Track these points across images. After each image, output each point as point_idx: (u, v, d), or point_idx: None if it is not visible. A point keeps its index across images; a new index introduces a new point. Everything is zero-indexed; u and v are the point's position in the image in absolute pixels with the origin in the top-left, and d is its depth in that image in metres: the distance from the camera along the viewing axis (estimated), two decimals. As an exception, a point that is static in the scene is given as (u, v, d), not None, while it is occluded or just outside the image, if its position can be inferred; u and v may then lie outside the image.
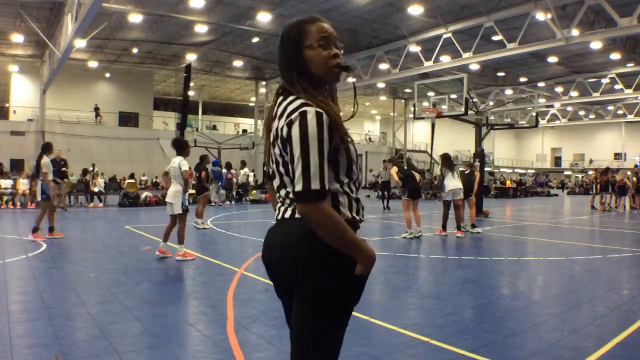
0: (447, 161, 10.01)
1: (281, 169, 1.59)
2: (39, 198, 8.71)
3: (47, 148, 8.79)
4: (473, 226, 10.33)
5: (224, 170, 18.34)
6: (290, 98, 1.57)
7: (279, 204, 1.68)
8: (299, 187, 1.46)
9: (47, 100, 27.14)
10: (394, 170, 9.70)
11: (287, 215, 1.62)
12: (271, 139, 1.62)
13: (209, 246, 8.37)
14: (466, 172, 11.01)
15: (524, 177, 45.75)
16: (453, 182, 9.71)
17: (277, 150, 1.58)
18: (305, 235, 1.53)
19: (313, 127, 1.46)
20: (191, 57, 26.91)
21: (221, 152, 27.11)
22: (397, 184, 10.20)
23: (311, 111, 1.47)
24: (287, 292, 1.69)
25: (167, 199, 6.86)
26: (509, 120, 39.87)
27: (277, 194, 1.68)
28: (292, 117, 1.49)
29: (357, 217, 1.63)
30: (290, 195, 1.59)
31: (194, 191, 11.63)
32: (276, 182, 1.66)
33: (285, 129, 1.50)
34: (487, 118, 29.08)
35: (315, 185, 1.45)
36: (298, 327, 1.60)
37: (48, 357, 3.11)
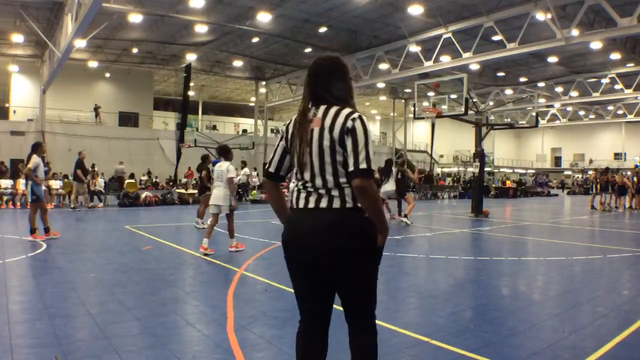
0: (388, 168, 11.87)
1: (327, 157, 2.02)
2: (29, 199, 8.61)
3: (36, 147, 8.59)
4: (405, 216, 11.66)
5: (224, 170, 18.32)
6: (337, 107, 2.09)
7: (304, 194, 2.09)
8: (364, 165, 1.96)
9: (47, 100, 27.09)
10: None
11: (323, 205, 2.03)
12: (315, 134, 2.05)
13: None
14: (398, 176, 12.07)
15: (524, 177, 45.73)
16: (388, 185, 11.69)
17: (326, 142, 2.02)
18: (352, 224, 2.02)
19: (368, 127, 2.05)
20: (191, 57, 26.89)
21: (221, 152, 27.05)
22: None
23: (363, 116, 2.06)
24: (316, 270, 2.08)
25: (215, 202, 7.35)
26: (509, 120, 39.87)
27: (305, 184, 2.09)
28: (354, 116, 2.04)
29: None
30: (329, 184, 2.03)
31: (195, 191, 11.62)
32: (307, 174, 2.08)
33: (350, 123, 2.01)
34: (487, 118, 29.07)
35: (372, 166, 1.99)
36: (357, 290, 2.11)
37: (48, 357, 3.11)
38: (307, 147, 2.06)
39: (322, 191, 2.04)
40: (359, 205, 2.02)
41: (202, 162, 11.33)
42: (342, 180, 2.03)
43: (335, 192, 2.03)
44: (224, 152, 7.50)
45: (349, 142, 1.99)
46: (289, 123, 2.21)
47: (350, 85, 2.22)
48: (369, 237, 2.04)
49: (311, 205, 2.05)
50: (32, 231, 8.21)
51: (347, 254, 2.00)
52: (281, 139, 2.24)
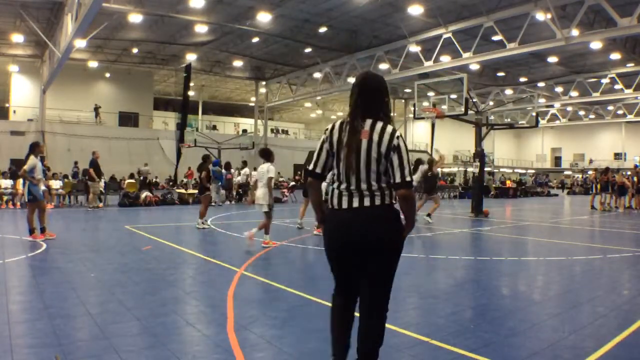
0: (415, 167, 11.65)
1: (373, 166, 2.43)
2: (26, 199, 8.54)
3: (34, 147, 8.46)
4: (428, 215, 11.87)
5: (224, 171, 18.33)
6: (382, 122, 2.49)
7: (347, 195, 2.48)
8: (408, 178, 2.43)
9: (47, 100, 27.10)
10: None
11: (367, 203, 2.45)
12: (364, 146, 2.44)
13: (209, 246, 8.37)
14: (429, 173, 11.97)
15: (524, 177, 45.71)
16: None
17: (374, 155, 2.43)
18: (391, 218, 2.49)
19: (406, 144, 2.52)
20: (191, 57, 26.89)
21: (221, 152, 27.11)
22: None
23: (401, 134, 2.53)
24: (355, 251, 2.48)
25: (257, 202, 7.92)
26: (509, 120, 39.86)
27: (349, 187, 2.47)
28: (397, 134, 2.48)
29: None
30: (373, 187, 2.45)
31: (195, 191, 11.64)
32: (353, 179, 2.46)
33: (396, 141, 2.45)
34: (487, 118, 29.05)
35: (412, 178, 2.48)
36: (385, 275, 2.54)
37: (48, 357, 3.11)
38: (356, 155, 2.44)
39: (366, 192, 2.46)
40: (393, 201, 2.50)
41: (202, 162, 11.31)
42: (383, 185, 2.48)
43: (377, 193, 2.47)
44: (266, 154, 7.90)
45: (394, 158, 2.43)
46: (332, 129, 2.56)
47: (389, 102, 2.64)
48: (399, 227, 2.52)
49: (356, 204, 2.47)
50: (31, 231, 8.19)
51: (385, 242, 2.46)
52: (324, 142, 2.58)
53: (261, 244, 7.77)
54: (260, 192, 7.80)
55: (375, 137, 2.44)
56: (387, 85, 2.63)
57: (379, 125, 2.47)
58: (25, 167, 8.19)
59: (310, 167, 2.61)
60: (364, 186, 2.46)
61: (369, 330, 2.54)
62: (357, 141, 2.44)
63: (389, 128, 2.47)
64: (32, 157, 8.30)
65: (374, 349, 2.55)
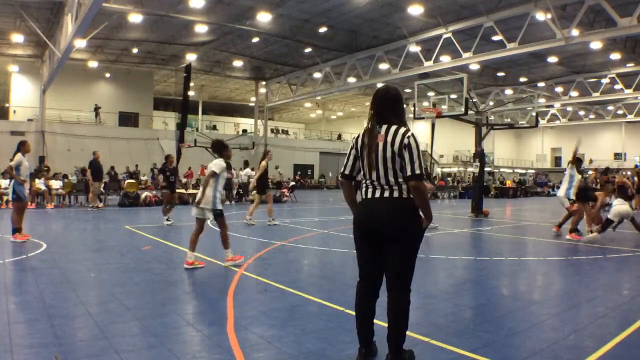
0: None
1: (389, 164, 2.84)
2: (9, 197, 8.37)
3: (20, 146, 8.28)
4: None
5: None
6: (395, 126, 2.90)
7: (371, 188, 2.93)
8: (418, 171, 2.79)
9: (47, 100, 27.10)
10: None
11: (386, 195, 2.88)
12: (380, 147, 2.86)
13: (208, 246, 8.37)
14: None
15: (524, 177, 45.70)
16: None
17: (389, 154, 2.84)
18: (406, 209, 2.86)
19: (419, 142, 2.88)
20: (191, 57, 26.87)
21: (221, 152, 27.04)
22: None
23: (414, 134, 2.90)
24: (378, 239, 2.89)
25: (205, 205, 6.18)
26: (509, 120, 39.83)
27: (373, 182, 2.91)
28: (409, 134, 2.86)
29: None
30: (390, 182, 2.86)
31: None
32: (374, 175, 2.90)
33: (406, 140, 2.83)
34: (487, 118, 29.03)
35: (422, 172, 2.82)
36: (402, 258, 2.89)
37: (48, 357, 3.11)
38: (375, 156, 2.88)
39: (386, 187, 2.89)
40: (411, 196, 2.86)
41: (164, 162, 11.82)
42: (400, 180, 2.86)
43: (395, 187, 2.87)
44: (216, 147, 6.31)
45: (406, 155, 2.81)
46: (358, 137, 3.02)
47: (404, 109, 3.06)
48: (415, 218, 2.89)
49: (377, 195, 2.91)
50: (17, 230, 7.94)
51: (400, 228, 2.84)
52: (352, 149, 3.04)
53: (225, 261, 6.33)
54: (208, 192, 6.03)
55: (389, 138, 2.86)
56: (399, 94, 3.04)
57: (393, 128, 2.89)
58: (12, 163, 8.08)
59: (342, 170, 3.09)
60: (383, 181, 2.88)
61: (390, 302, 2.91)
62: (375, 144, 2.88)
63: (402, 130, 2.87)
64: (18, 155, 8.15)
65: (398, 323, 2.88)
